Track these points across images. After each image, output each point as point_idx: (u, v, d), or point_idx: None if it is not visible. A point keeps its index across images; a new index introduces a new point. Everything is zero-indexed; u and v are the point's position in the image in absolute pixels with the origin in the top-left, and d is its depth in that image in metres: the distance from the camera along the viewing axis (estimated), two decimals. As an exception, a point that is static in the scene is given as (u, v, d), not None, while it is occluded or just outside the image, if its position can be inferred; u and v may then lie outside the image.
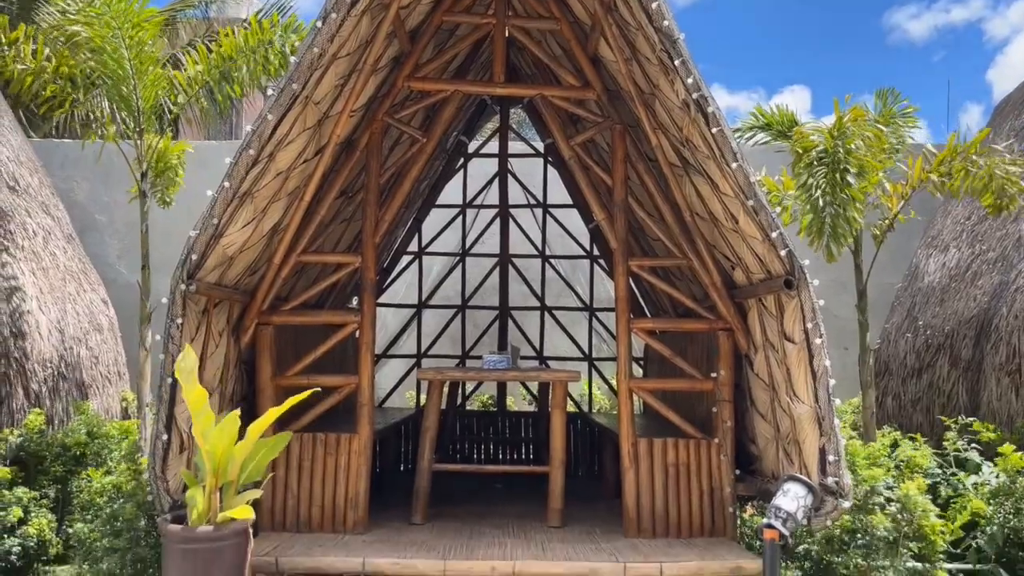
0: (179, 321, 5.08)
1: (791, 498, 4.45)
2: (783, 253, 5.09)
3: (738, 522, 6.19)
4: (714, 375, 6.14)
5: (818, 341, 5.03)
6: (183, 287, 5.06)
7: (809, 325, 5.07)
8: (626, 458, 6.09)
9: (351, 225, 7.57)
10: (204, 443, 4.39)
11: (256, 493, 4.48)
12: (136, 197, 7.55)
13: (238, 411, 4.48)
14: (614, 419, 8.62)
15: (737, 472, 6.10)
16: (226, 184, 5.10)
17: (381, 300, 9.68)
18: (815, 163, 6.04)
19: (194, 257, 5.11)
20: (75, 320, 8.76)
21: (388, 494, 7.43)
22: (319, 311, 6.92)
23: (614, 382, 10.44)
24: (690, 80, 5.02)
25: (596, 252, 9.69)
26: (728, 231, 5.76)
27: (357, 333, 6.25)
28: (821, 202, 5.99)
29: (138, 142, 7.54)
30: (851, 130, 6.29)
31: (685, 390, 6.42)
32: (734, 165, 5.08)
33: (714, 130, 5.05)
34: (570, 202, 9.68)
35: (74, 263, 9.33)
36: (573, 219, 9.87)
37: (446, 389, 7.96)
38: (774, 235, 5.11)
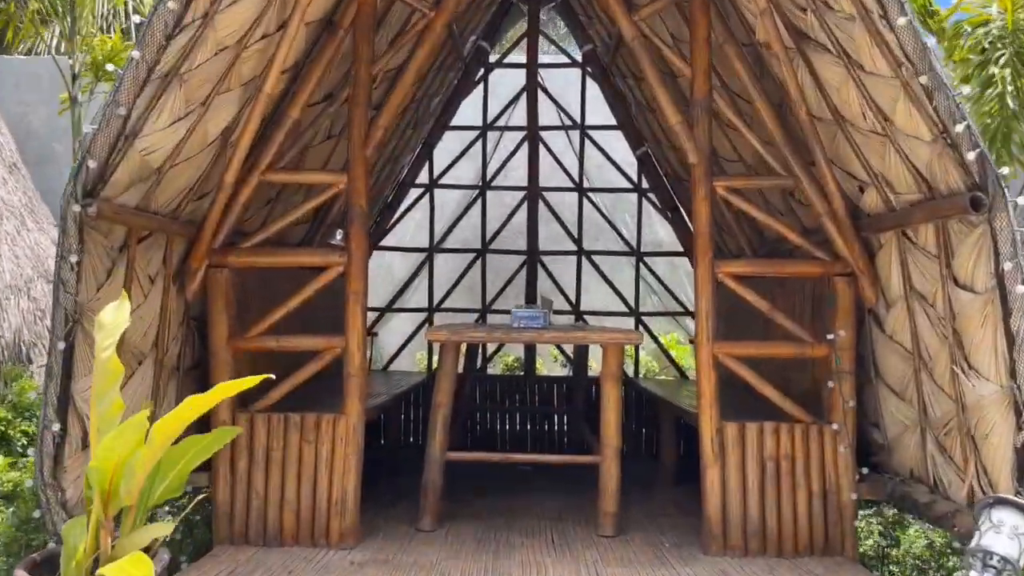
0: (74, 260, 3.48)
1: (1007, 536, 2.82)
2: (971, 156, 3.38)
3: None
4: (831, 336, 4.48)
5: (1021, 290, 3.34)
6: (76, 208, 3.44)
7: (1007, 266, 3.38)
8: (708, 449, 4.48)
9: (344, 143, 5.91)
10: (94, 449, 2.82)
11: (166, 528, 2.90)
12: (67, 107, 5.89)
13: (147, 412, 2.87)
14: (670, 388, 7.00)
15: (863, 471, 4.47)
16: (136, 55, 3.43)
17: (386, 243, 8.05)
18: (990, 46, 4.27)
19: (92, 165, 3.47)
20: (12, 265, 7.19)
21: (389, 485, 5.89)
22: (296, 250, 5.28)
23: (664, 340, 8.89)
24: None
25: (645, 184, 7.97)
26: (864, 134, 4.05)
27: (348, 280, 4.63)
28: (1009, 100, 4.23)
29: (73, 41, 5.87)
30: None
31: (785, 357, 4.76)
32: (901, 21, 3.35)
33: (870, -31, 3.32)
34: (613, 123, 7.94)
35: (16, 197, 7.73)
36: (616, 145, 8.13)
37: (463, 352, 6.35)
38: (958, 129, 3.39)
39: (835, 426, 4.43)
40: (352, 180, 4.55)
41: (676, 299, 8.00)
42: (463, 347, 6.65)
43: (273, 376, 3.35)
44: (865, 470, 4.45)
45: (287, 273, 5.26)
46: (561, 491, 5.85)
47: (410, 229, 8.34)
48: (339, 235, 4.62)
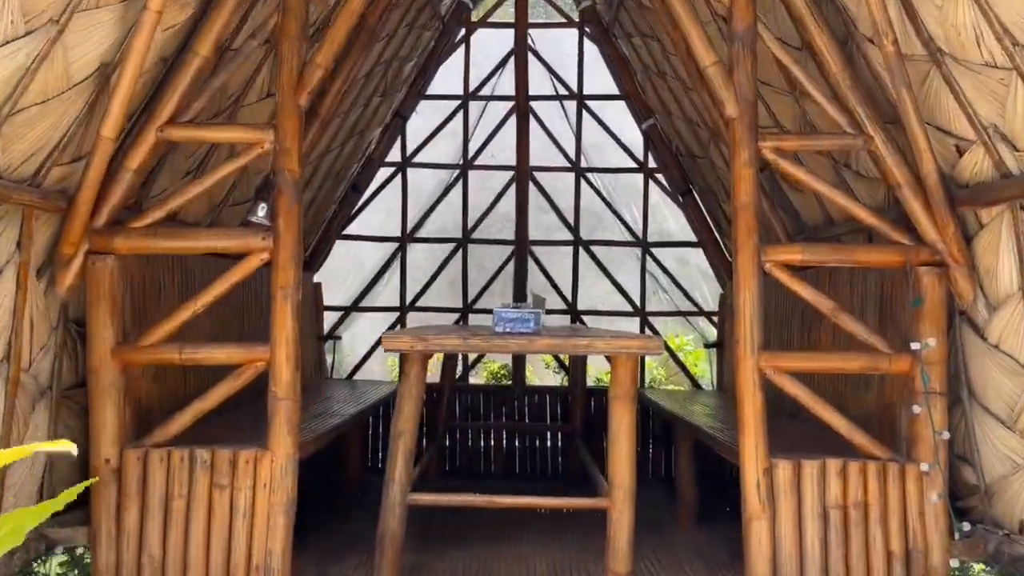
0: None
1: None
2: None
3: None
4: (916, 347, 3.38)
5: None
6: None
7: None
8: (754, 495, 3.37)
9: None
10: None
11: None
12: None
13: None
14: (681, 401, 5.90)
15: (964, 527, 3.37)
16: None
17: (351, 231, 6.92)
18: None
19: None
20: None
21: (342, 530, 4.77)
22: (206, 231, 4.11)
23: (673, 343, 7.77)
24: None
25: (652, 163, 6.87)
26: (976, 71, 2.95)
27: (274, 271, 3.49)
28: None
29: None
30: None
31: (851, 372, 3.66)
32: None
33: None
34: (615, 92, 6.84)
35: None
36: (619, 118, 7.03)
37: (436, 362, 5.22)
38: None
39: (924, 467, 3.32)
40: (280, 137, 3.42)
41: (688, 296, 6.89)
42: (438, 357, 5.58)
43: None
44: (967, 526, 3.35)
45: (213, 264, 4.14)
46: (557, 531, 4.75)
47: (380, 215, 7.20)
48: (261, 210, 3.49)
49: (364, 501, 5.26)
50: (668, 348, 7.06)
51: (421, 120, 7.10)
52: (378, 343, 6.91)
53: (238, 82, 4.05)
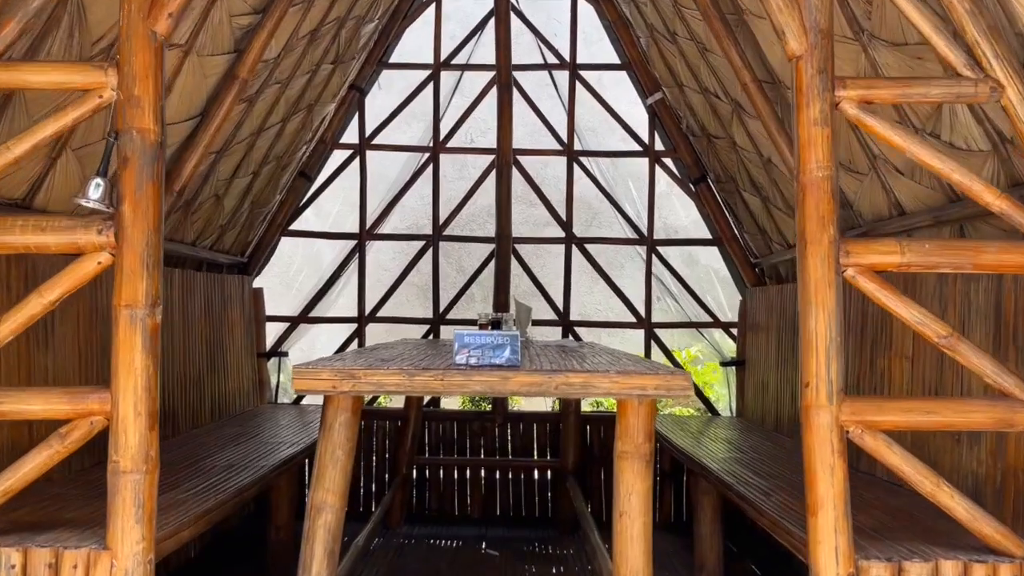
0: None
1: None
2: None
3: None
4: (1074, 394, 2.27)
5: None
6: None
7: None
8: (832, 615, 2.26)
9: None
10: None
11: None
12: None
13: None
14: (696, 436, 4.80)
15: None
16: None
17: (298, 226, 5.80)
18: None
19: None
20: None
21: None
22: (22, 218, 2.96)
23: (680, 357, 6.61)
24: None
25: (659, 146, 5.77)
26: None
27: (117, 279, 2.36)
28: None
29: None
30: None
31: (974, 428, 2.54)
32: None
33: None
34: (616, 61, 5.74)
35: None
36: (619, 91, 5.93)
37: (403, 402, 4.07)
38: None
39: (1092, 575, 2.22)
40: (125, 81, 2.28)
41: (703, 304, 5.78)
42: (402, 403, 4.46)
43: None
44: None
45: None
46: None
47: (337, 206, 6.08)
48: (95, 189, 2.36)
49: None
50: (679, 366, 5.94)
51: (383, 95, 5.99)
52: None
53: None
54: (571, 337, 5.71)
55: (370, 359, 2.94)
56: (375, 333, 6.00)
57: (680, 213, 6.60)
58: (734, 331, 5.69)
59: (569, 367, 2.74)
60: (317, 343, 6.92)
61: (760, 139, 4.63)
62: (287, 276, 6.38)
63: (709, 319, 5.77)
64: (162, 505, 2.67)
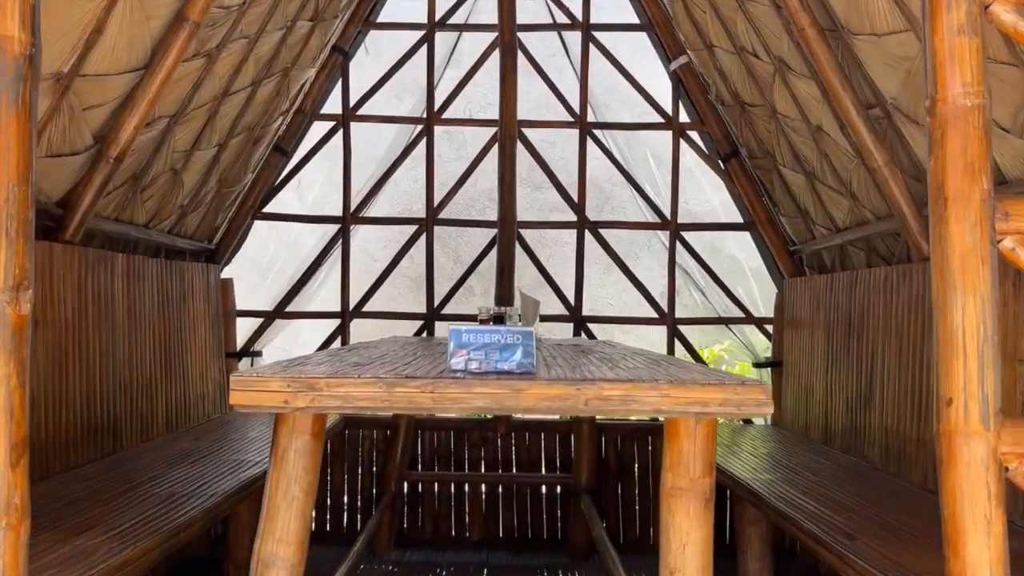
0: None
1: None
2: None
3: None
4: None
5: None
6: None
7: None
8: None
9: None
10: None
11: None
12: None
13: None
14: (728, 446, 4.11)
15: None
16: None
17: (273, 209, 5.12)
18: None
19: None
20: None
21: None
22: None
23: (704, 356, 5.85)
24: None
25: (683, 117, 5.09)
26: None
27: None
28: None
29: None
30: None
31: None
32: None
33: None
34: (634, 20, 5.06)
35: None
36: (635, 61, 5.26)
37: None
38: None
39: None
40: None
41: (733, 296, 5.09)
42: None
43: None
44: None
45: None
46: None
47: (316, 187, 5.39)
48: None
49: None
50: (703, 363, 5.24)
51: (371, 63, 5.30)
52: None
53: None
54: (583, 335, 5.03)
55: (340, 363, 2.26)
56: (364, 330, 5.32)
57: (708, 193, 5.93)
58: (768, 327, 5.01)
59: (600, 374, 2.06)
60: (299, 340, 6.25)
61: (809, 104, 3.95)
62: (262, 265, 5.70)
63: (740, 314, 5.09)
64: (54, 561, 2.00)
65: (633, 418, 5.76)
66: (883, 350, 3.55)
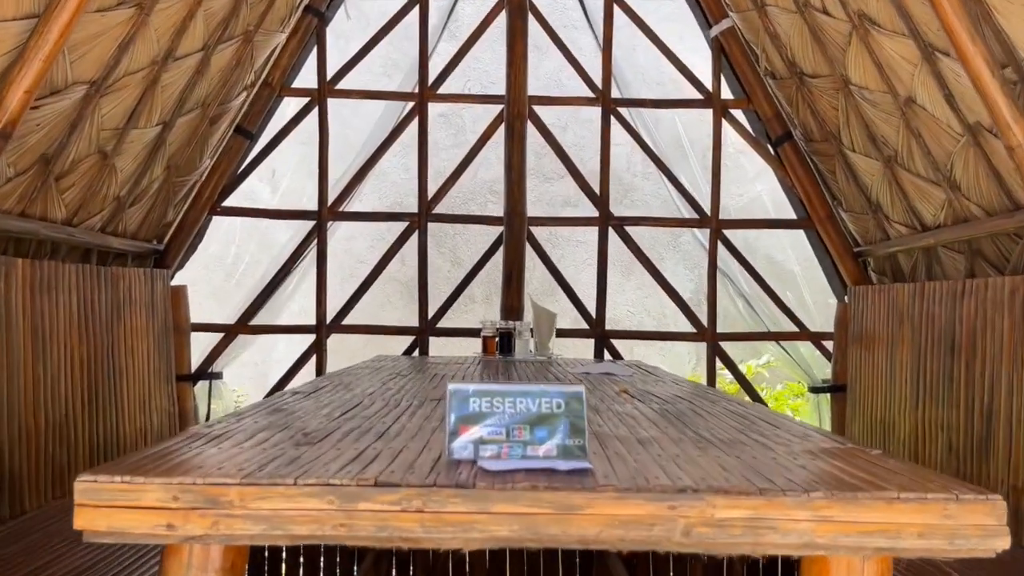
0: None
1: None
2: None
3: None
4: None
5: None
6: None
7: None
8: None
9: None
10: None
11: None
12: None
13: None
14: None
15: None
16: None
17: (235, 201, 4.29)
18: None
19: None
20: None
21: None
22: None
23: (745, 370, 4.85)
24: None
25: (726, 93, 4.26)
26: None
27: None
28: None
29: None
30: None
31: None
32: None
33: None
34: (667, -23, 4.25)
35: None
36: (666, 26, 4.45)
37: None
38: None
39: None
40: None
41: (784, 307, 4.28)
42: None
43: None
44: None
45: None
46: None
47: (288, 173, 4.55)
48: None
49: None
50: (750, 389, 4.41)
51: (353, 27, 4.48)
52: (286, 379, 4.23)
53: None
54: (606, 353, 4.21)
55: (281, 435, 1.45)
56: (349, 344, 4.53)
57: (757, 184, 5.11)
58: (827, 343, 4.20)
59: (710, 474, 1.25)
60: (273, 354, 5.43)
61: (900, 69, 3.14)
62: (225, 269, 4.87)
63: (786, 325, 4.28)
64: None
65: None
66: (1008, 381, 2.75)
